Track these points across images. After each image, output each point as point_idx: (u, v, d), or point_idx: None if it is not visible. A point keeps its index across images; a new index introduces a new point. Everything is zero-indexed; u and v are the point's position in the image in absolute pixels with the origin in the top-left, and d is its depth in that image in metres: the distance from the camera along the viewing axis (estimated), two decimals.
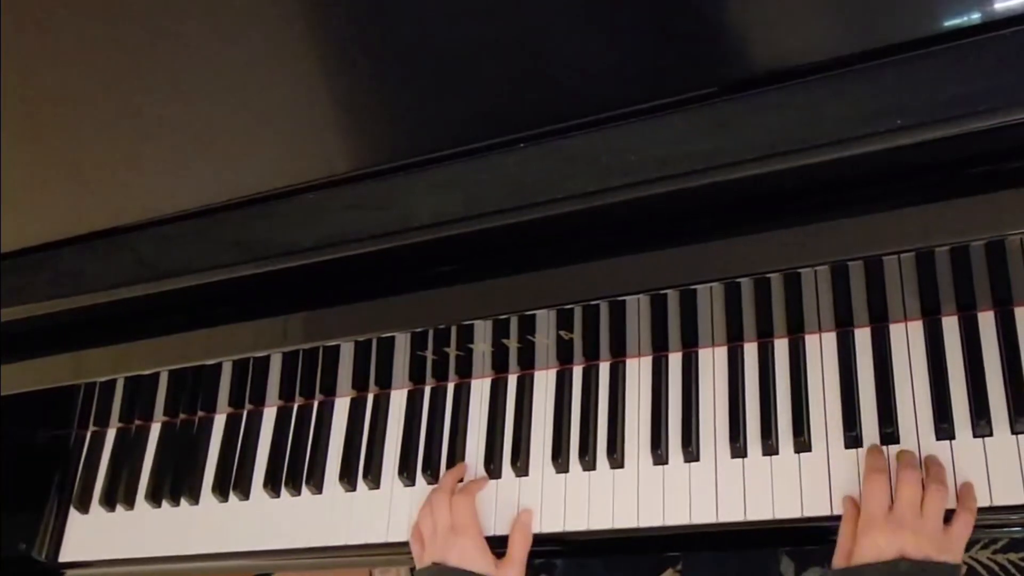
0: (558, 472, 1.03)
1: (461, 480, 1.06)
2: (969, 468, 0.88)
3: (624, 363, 1.04)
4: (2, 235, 1.00)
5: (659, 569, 1.49)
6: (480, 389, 1.10)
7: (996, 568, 1.49)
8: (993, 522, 0.88)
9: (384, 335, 1.02)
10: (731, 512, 0.94)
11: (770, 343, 0.99)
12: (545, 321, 1.00)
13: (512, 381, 1.09)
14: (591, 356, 1.05)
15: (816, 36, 0.74)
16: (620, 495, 0.99)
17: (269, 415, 1.19)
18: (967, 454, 0.89)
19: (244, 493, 1.16)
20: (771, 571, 1.31)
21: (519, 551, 0.98)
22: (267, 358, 1.13)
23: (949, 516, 0.86)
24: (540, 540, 1.01)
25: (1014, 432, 0.88)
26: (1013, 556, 1.48)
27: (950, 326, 0.93)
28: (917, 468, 0.87)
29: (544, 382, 1.07)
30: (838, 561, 0.86)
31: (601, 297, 0.90)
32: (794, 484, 0.93)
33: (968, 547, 1.48)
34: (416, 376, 1.11)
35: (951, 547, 0.83)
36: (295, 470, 1.14)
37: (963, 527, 0.85)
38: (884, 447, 0.92)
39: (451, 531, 0.97)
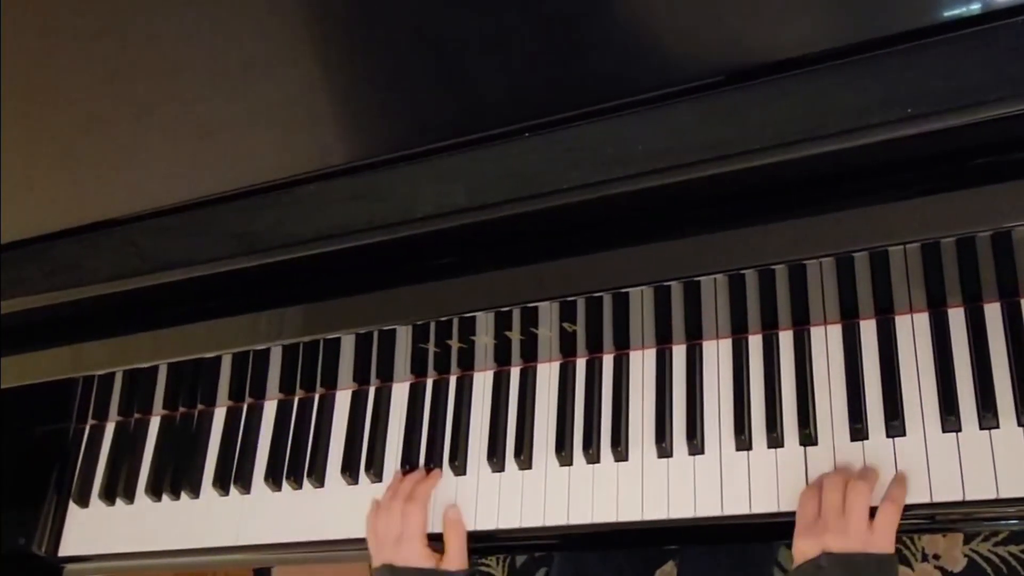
0: (562, 465, 1.02)
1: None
2: (975, 460, 0.88)
3: (628, 355, 1.04)
4: (1, 227, 0.99)
5: (658, 562, 1.49)
6: (483, 382, 1.09)
7: (997, 560, 1.49)
8: (993, 515, 0.87)
9: (386, 327, 1.02)
10: (736, 505, 0.94)
11: (775, 335, 0.98)
12: (548, 313, 1.00)
13: (515, 374, 1.08)
14: (595, 349, 1.04)
15: (825, 24, 0.73)
16: (624, 488, 0.98)
17: (270, 408, 1.18)
18: (973, 446, 0.88)
19: (245, 487, 1.15)
20: (769, 563, 1.30)
21: (455, 547, 1.01)
22: (267, 351, 1.12)
23: None
24: (543, 534, 1.00)
25: (1020, 424, 0.88)
26: (1014, 548, 1.48)
27: (956, 318, 0.93)
28: (841, 473, 0.89)
29: (547, 375, 1.07)
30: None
31: (605, 289, 0.89)
32: (799, 477, 0.92)
33: (968, 540, 1.49)
34: (418, 369, 1.11)
35: (876, 539, 0.85)
36: (296, 464, 1.13)
37: (885, 517, 0.86)
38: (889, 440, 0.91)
39: (396, 541, 1.00)
